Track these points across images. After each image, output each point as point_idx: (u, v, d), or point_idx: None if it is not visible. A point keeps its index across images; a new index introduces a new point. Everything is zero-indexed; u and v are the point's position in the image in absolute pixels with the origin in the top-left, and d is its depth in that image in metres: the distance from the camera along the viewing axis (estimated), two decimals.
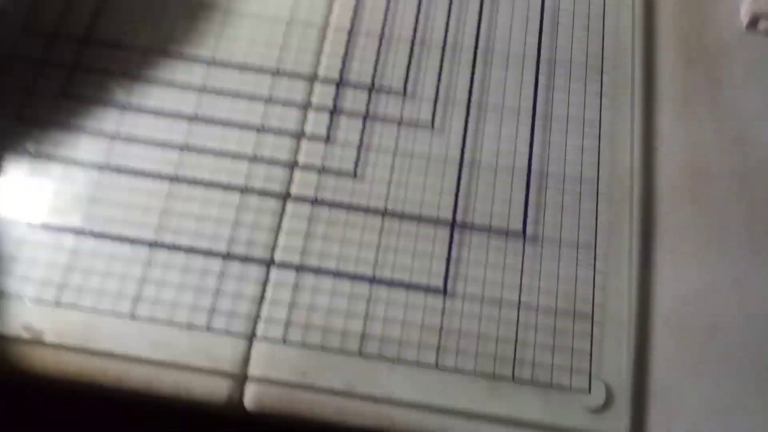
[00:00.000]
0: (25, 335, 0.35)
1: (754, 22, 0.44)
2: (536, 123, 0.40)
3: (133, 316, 0.35)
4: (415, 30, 0.42)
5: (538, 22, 0.42)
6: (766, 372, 0.35)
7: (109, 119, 0.39)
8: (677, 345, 0.36)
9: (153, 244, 0.37)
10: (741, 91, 0.42)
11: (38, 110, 0.39)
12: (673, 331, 0.36)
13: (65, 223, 0.37)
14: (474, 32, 0.42)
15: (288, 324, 0.35)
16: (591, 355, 0.35)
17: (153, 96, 0.40)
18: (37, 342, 0.35)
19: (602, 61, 0.41)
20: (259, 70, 0.41)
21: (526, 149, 0.39)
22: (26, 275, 0.36)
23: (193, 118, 0.39)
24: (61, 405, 0.38)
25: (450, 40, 0.42)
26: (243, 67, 0.41)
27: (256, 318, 0.35)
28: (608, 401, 0.34)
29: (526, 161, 0.39)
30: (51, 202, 0.37)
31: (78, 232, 0.37)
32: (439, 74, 0.41)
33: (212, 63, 0.41)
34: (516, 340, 0.35)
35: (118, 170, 0.38)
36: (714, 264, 0.38)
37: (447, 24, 0.42)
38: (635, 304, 0.36)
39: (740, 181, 0.40)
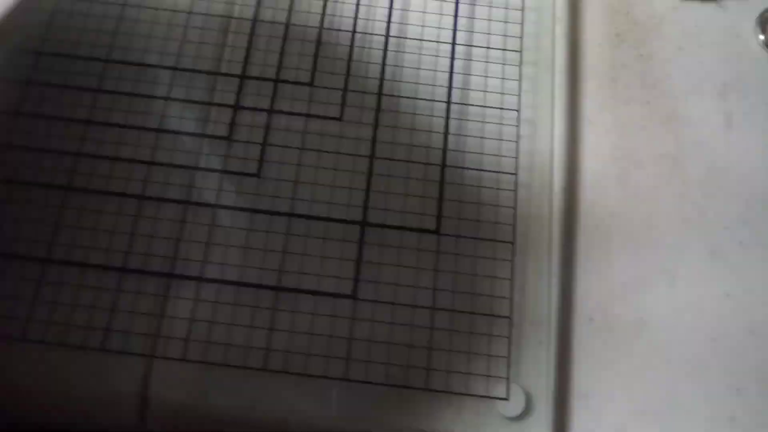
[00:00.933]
0: None
1: None
2: (451, 113, 0.37)
3: (24, 339, 0.33)
4: (322, 17, 0.39)
5: (453, 4, 0.39)
6: (697, 368, 0.34)
7: None
8: (602, 344, 0.34)
9: (44, 261, 0.34)
10: (672, 66, 0.40)
11: None
12: (598, 329, 0.34)
13: None
14: (385, 18, 0.39)
15: (188, 340, 0.33)
16: (509, 359, 0.33)
17: (45, 99, 0.37)
18: None
19: (522, 41, 0.39)
20: (157, 66, 0.38)
21: (441, 142, 0.37)
22: None
23: (88, 122, 0.37)
24: None
25: (360, 26, 0.39)
26: (140, 65, 0.38)
27: (155, 335, 0.33)
28: (528, 408, 0.32)
29: (441, 155, 0.36)
30: None
31: None
32: (349, 64, 0.38)
33: (108, 61, 0.38)
34: (430, 347, 0.33)
35: (6, 181, 0.36)
36: (642, 254, 0.36)
37: (357, 10, 0.39)
38: (556, 303, 0.34)
39: (671, 163, 0.38)
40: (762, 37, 0.40)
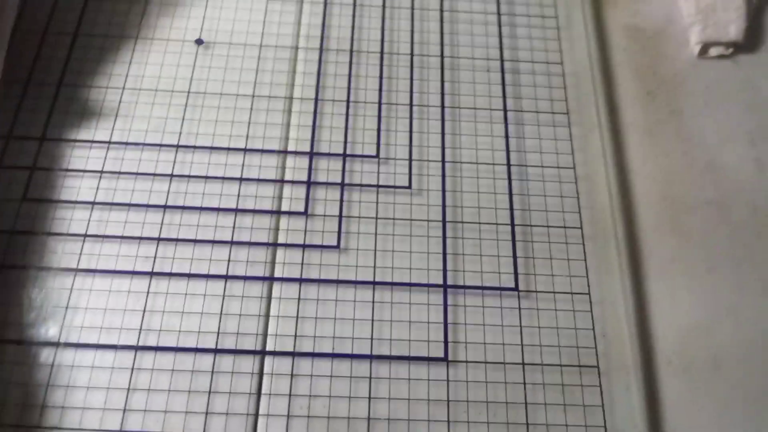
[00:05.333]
0: None
1: (705, 50, 0.45)
2: (512, 175, 0.39)
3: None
4: (380, 93, 0.41)
5: (499, 75, 0.42)
6: None
7: (77, 219, 0.37)
8: (683, 384, 0.36)
9: (137, 348, 0.35)
10: (703, 119, 0.43)
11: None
12: (677, 370, 0.36)
13: (40, 337, 0.35)
14: (438, 91, 0.41)
15: (289, 417, 0.34)
16: (603, 407, 0.34)
17: (121, 189, 0.38)
18: None
19: (567, 105, 0.42)
20: (229, 149, 0.39)
21: (507, 203, 0.39)
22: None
23: (166, 208, 0.38)
24: None
25: (416, 100, 0.41)
26: (212, 149, 0.39)
27: (255, 415, 0.34)
28: None
29: (509, 216, 0.38)
30: (22, 315, 0.35)
31: (54, 344, 0.35)
32: (410, 135, 0.40)
33: (180, 148, 0.39)
34: (526, 403, 0.34)
35: (93, 272, 0.36)
36: (706, 294, 0.38)
37: (411, 85, 0.42)
38: (637, 347, 0.35)
39: (717, 208, 0.40)
40: None
